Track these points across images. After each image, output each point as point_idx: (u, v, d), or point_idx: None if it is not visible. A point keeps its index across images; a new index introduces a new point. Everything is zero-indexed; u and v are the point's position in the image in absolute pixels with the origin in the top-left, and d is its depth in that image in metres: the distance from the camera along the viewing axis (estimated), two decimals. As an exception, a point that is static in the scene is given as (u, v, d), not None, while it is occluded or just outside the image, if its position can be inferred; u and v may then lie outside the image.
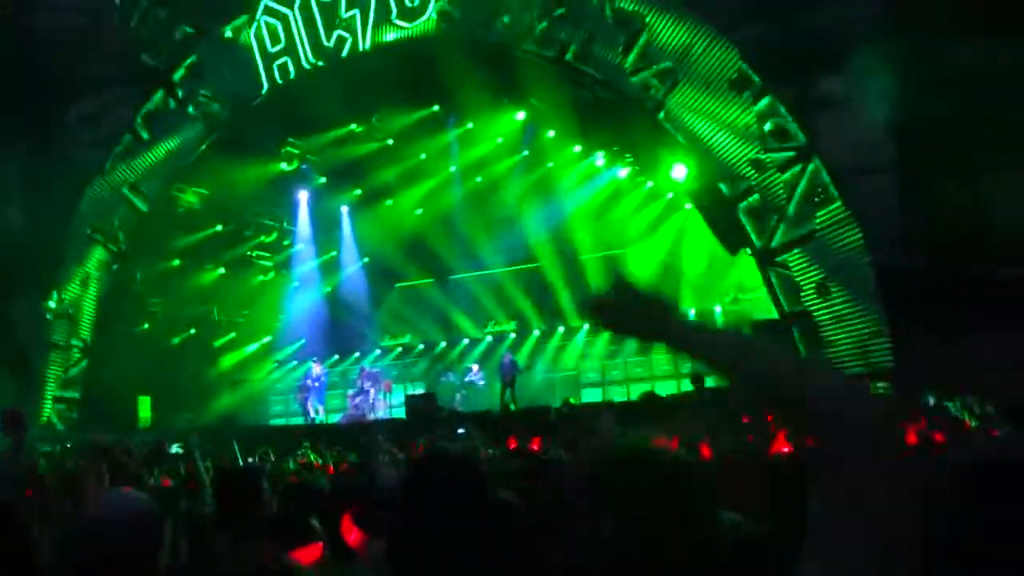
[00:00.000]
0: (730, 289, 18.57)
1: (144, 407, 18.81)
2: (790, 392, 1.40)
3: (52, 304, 18.69)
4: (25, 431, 4.04)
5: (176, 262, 19.67)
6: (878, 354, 12.74)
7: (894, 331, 12.55)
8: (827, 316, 13.21)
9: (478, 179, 20.25)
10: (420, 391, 20.18)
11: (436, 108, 17.82)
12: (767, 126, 13.43)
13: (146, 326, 19.60)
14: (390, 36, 16.16)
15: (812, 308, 13.35)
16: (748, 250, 14.40)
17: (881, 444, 1.32)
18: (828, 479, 1.31)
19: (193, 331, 20.79)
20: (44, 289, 18.58)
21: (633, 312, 1.59)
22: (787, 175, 13.39)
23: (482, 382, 20.58)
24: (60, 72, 17.49)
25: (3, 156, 17.62)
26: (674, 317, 1.57)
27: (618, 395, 18.27)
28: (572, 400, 17.90)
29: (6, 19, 17.49)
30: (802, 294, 13.44)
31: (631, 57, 14.26)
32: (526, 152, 19.36)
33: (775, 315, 14.13)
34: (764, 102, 13.43)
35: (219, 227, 19.75)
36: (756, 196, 13.73)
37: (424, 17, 15.78)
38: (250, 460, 11.57)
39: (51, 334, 18.74)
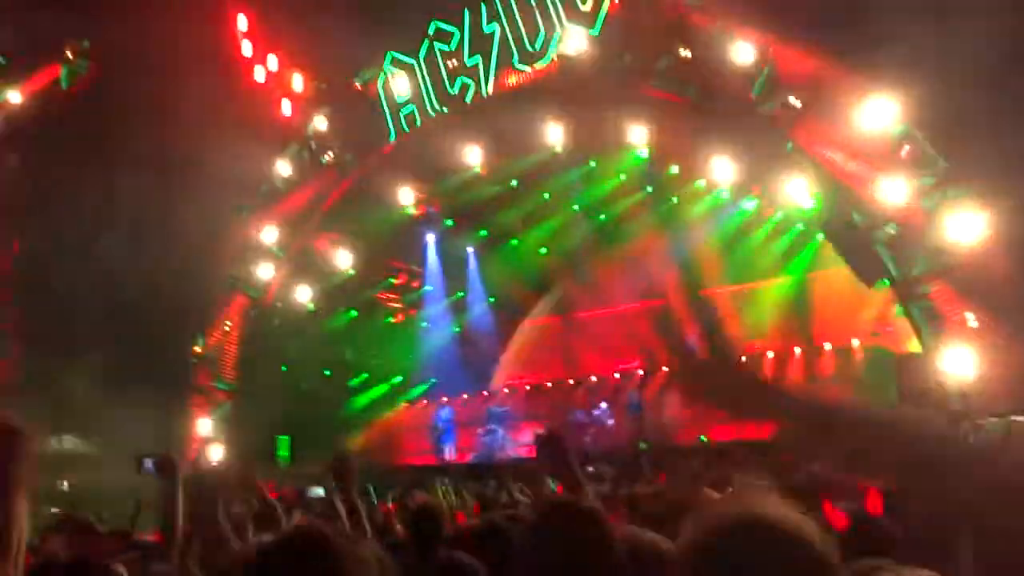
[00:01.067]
0: (870, 322, 17.81)
1: (283, 447, 19.47)
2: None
3: (197, 348, 19.60)
4: (177, 476, 4.17)
5: (311, 307, 20.38)
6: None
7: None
8: (979, 347, 12.47)
9: (602, 217, 20.22)
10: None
11: (558, 149, 17.96)
12: (904, 151, 12.89)
13: (284, 368, 20.33)
14: (512, 80, 16.43)
15: (961, 340, 12.64)
16: (887, 282, 13.80)
17: None
18: None
19: (328, 372, 21.45)
20: (191, 334, 19.51)
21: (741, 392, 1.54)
22: (927, 202, 12.79)
23: (611, 421, 20.38)
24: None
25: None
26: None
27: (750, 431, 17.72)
28: (703, 439, 17.51)
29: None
30: (947, 327, 12.75)
31: (756, 90, 14.01)
32: (650, 188, 19.23)
33: (918, 348, 13.47)
34: (901, 128, 12.91)
35: (351, 271, 20.38)
36: (892, 225, 13.16)
37: (545, 59, 15.98)
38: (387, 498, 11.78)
39: (195, 377, 19.63)
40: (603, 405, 21.09)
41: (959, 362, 12.27)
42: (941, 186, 12.66)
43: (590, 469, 13.54)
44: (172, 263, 19.19)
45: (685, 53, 14.52)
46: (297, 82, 18.94)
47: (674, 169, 17.96)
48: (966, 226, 12.25)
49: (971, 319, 12.32)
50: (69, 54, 18.53)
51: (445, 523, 4.11)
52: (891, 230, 13.18)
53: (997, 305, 12.13)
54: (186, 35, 18.53)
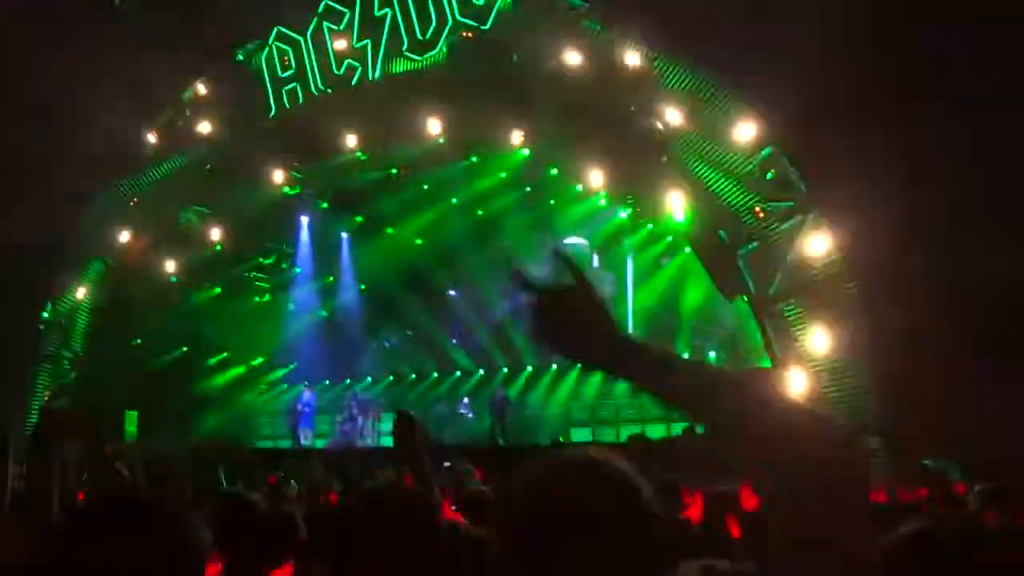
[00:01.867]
0: (727, 336, 18.56)
1: (131, 422, 18.72)
2: (757, 431, 1.28)
3: (46, 314, 18.64)
4: (6, 458, 3.88)
5: (173, 279, 19.66)
6: (872, 410, 12.67)
7: (891, 387, 12.49)
8: (823, 368, 13.17)
9: (480, 212, 20.30)
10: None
11: (442, 141, 17.93)
12: (769, 175, 13.49)
13: (138, 341, 19.55)
14: (401, 67, 16.31)
15: (807, 359, 13.32)
16: (745, 297, 14.41)
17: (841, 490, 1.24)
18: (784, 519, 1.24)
19: (185, 349, 20.74)
20: (40, 299, 18.54)
21: (578, 327, 1.41)
22: (787, 225, 13.43)
23: (471, 415, 20.51)
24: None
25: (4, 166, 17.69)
26: (635, 347, 1.40)
27: (608, 436, 18.18)
28: (561, 438, 17.83)
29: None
30: (797, 345, 13.42)
31: (638, 100, 14.37)
32: (528, 188, 19.43)
33: (768, 363, 14.12)
34: (766, 151, 13.50)
35: (218, 247, 19.77)
36: (755, 244, 13.76)
37: (435, 50, 15.93)
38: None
39: (43, 345, 18.67)
40: (465, 400, 21.21)
41: (801, 380, 12.94)
42: (800, 209, 13.30)
43: (446, 464, 13.54)
44: (28, 225, 18.19)
45: (572, 56, 14.74)
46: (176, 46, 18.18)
47: (553, 171, 18.21)
48: (820, 248, 12.93)
49: (818, 337, 13.00)
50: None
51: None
52: (753, 248, 13.78)
53: (843, 326, 12.84)
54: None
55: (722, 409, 1.31)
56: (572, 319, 1.41)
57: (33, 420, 18.17)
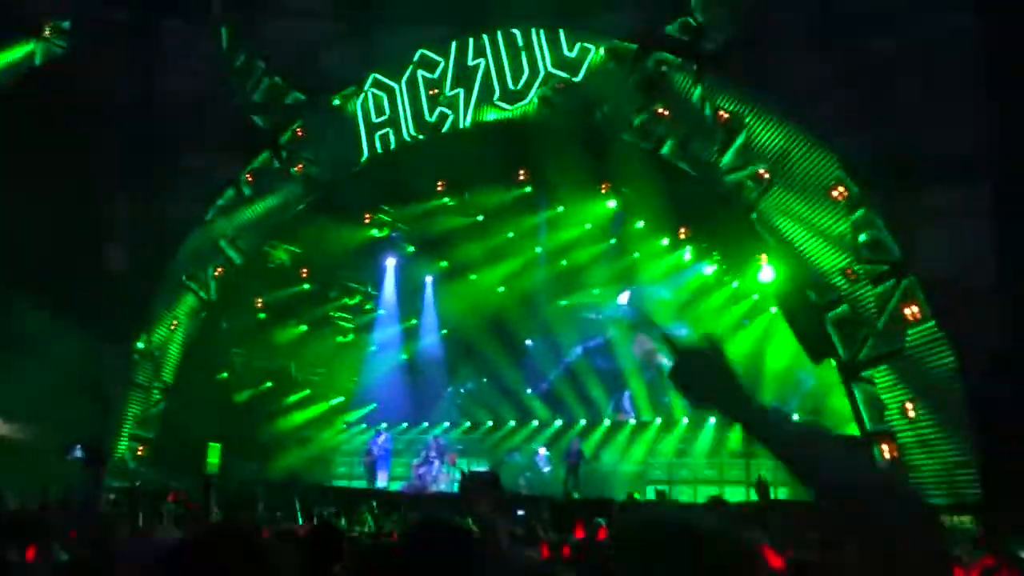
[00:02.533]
0: (809, 400, 17.98)
1: (213, 453, 19.08)
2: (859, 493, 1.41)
3: (140, 345, 19.24)
4: (104, 466, 4.09)
5: (262, 316, 20.14)
6: (964, 485, 12.08)
7: (984, 463, 11.90)
8: (912, 439, 12.64)
9: (563, 263, 20.27)
10: (483, 468, 19.96)
11: (528, 189, 18.02)
12: (862, 237, 13.14)
13: (225, 375, 20.02)
14: (491, 116, 16.53)
15: (897, 429, 12.81)
16: (833, 362, 13.97)
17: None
18: None
19: (269, 384, 21.13)
20: (136, 331, 19.17)
21: (710, 383, 1.63)
22: (880, 288, 13.02)
23: (547, 467, 20.29)
24: (174, 131, 18.39)
25: (110, 201, 18.53)
26: (751, 398, 1.60)
27: (685, 496, 17.73)
28: (636, 495, 17.46)
29: (132, 81, 18.59)
30: (887, 413, 12.92)
31: (728, 156, 14.24)
32: (613, 240, 19.34)
33: (855, 430, 13.61)
34: (860, 212, 13.17)
35: (306, 285, 20.19)
36: (845, 307, 13.37)
37: (526, 101, 16.11)
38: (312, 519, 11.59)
39: (136, 374, 19.26)
40: (542, 451, 21.01)
41: (892, 449, 12.43)
42: (895, 273, 12.89)
43: (520, 512, 13.40)
44: (130, 256, 18.96)
45: (662, 110, 14.72)
46: (276, 92, 18.84)
47: (639, 224, 18.10)
48: (913, 315, 12.48)
49: (909, 409, 12.50)
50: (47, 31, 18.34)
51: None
52: (843, 311, 13.39)
53: (933, 400, 12.34)
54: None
55: (829, 468, 1.45)
56: (710, 374, 1.63)
57: (122, 447, 18.76)
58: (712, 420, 18.97)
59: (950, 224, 12.63)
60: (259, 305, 19.97)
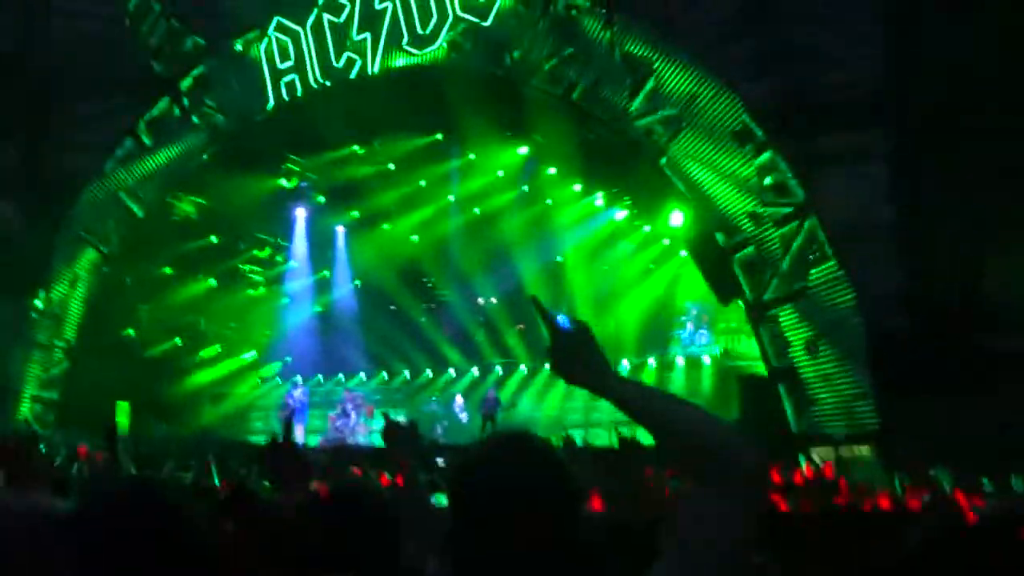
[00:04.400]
0: (720, 340, 18.49)
1: (122, 413, 18.61)
2: (701, 442, 1.64)
3: (39, 303, 18.54)
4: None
5: (167, 270, 19.56)
6: (863, 416, 12.64)
7: (880, 394, 12.46)
8: (814, 374, 13.14)
9: (476, 210, 20.21)
10: (401, 418, 19.97)
11: (439, 136, 17.81)
12: (767, 180, 13.45)
13: (131, 332, 19.45)
14: (399, 62, 16.22)
15: (800, 365, 13.28)
16: (740, 301, 14.36)
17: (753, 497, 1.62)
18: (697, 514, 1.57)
19: (178, 341, 20.64)
20: (33, 287, 18.45)
21: (582, 363, 1.72)
22: (784, 230, 13.39)
23: (465, 415, 20.45)
24: (67, 75, 17.56)
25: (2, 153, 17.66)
26: (614, 374, 1.73)
27: (601, 438, 18.09)
28: (553, 439, 17.73)
29: (20, 21, 17.62)
30: (791, 350, 13.38)
31: (637, 101, 14.32)
32: (526, 187, 19.34)
33: (763, 369, 14.08)
34: (765, 156, 13.46)
35: (213, 238, 19.66)
36: (751, 248, 13.72)
37: (435, 45, 15.83)
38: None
39: (36, 333, 18.58)
40: (460, 399, 21.14)
41: (796, 387, 12.90)
42: (797, 215, 13.26)
43: (439, 460, 13.49)
44: (21, 212, 18.13)
45: (571, 53, 14.68)
46: (175, 36, 18.07)
47: (551, 170, 18.13)
48: (816, 256, 12.89)
49: (812, 346, 12.97)
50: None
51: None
52: (749, 253, 13.73)
53: (834, 336, 12.82)
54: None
55: (677, 427, 1.68)
56: (580, 355, 1.72)
57: (23, 409, 18.15)
58: (626, 364, 19.34)
59: (848, 166, 13.02)
60: (165, 259, 19.38)
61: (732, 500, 1.55)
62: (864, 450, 12.29)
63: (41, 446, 16.46)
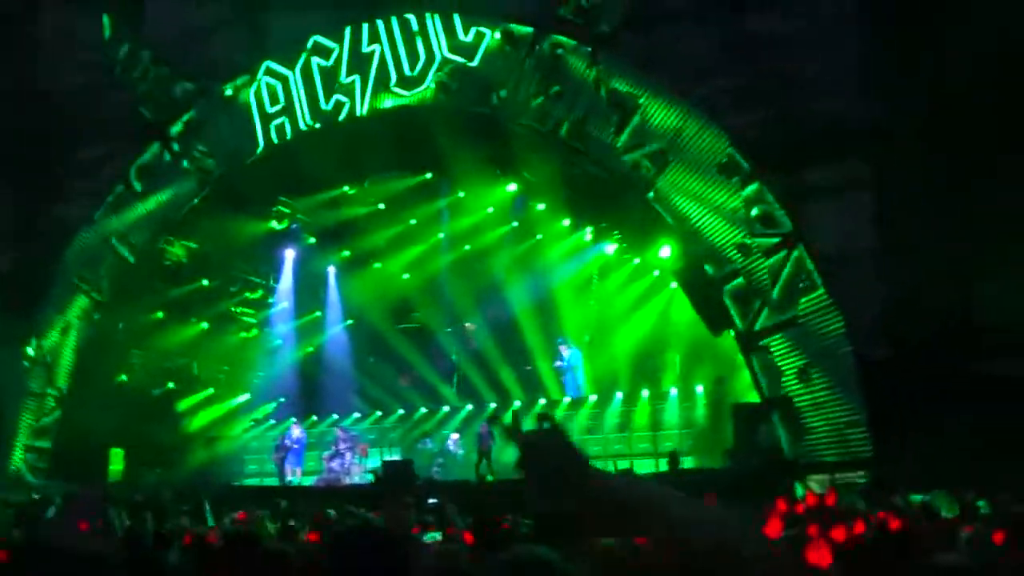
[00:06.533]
0: (712, 371, 18.51)
1: (116, 460, 18.52)
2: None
3: (31, 351, 18.49)
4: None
5: (159, 314, 19.53)
6: (856, 443, 12.71)
7: (873, 421, 12.54)
8: (807, 402, 13.21)
9: (467, 247, 20.32)
10: (397, 456, 19.93)
11: (429, 175, 17.99)
12: (754, 211, 13.62)
13: (124, 377, 19.38)
14: (388, 103, 16.42)
15: (793, 393, 13.36)
16: (732, 332, 14.45)
17: None
18: None
19: (172, 385, 20.56)
20: (26, 336, 18.41)
21: (554, 471, 1.67)
22: (772, 260, 13.53)
23: (460, 452, 20.36)
24: (59, 125, 17.70)
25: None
26: (591, 476, 1.67)
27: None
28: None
29: (12, 74, 17.80)
30: (783, 379, 13.46)
31: (623, 137, 14.52)
32: (515, 223, 19.49)
33: (756, 398, 14.14)
34: (752, 188, 13.64)
35: (204, 281, 19.68)
36: (741, 279, 13.85)
37: (422, 86, 16.05)
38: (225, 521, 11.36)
39: (28, 381, 18.50)
40: (455, 436, 21.05)
41: (789, 414, 12.96)
42: (785, 245, 13.41)
43: (431, 501, 13.44)
44: (14, 261, 18.18)
45: (558, 91, 14.89)
46: (164, 82, 18.23)
47: (540, 206, 18.29)
48: (804, 284, 13.02)
49: (803, 374, 13.06)
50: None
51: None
52: (739, 283, 13.86)
53: (825, 364, 12.91)
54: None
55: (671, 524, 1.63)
56: (554, 471, 1.68)
57: (16, 458, 18.02)
58: (620, 396, 19.36)
59: (833, 197, 13.22)
60: (157, 304, 19.36)
61: None
62: (859, 476, 12.34)
63: (33, 494, 16.41)
